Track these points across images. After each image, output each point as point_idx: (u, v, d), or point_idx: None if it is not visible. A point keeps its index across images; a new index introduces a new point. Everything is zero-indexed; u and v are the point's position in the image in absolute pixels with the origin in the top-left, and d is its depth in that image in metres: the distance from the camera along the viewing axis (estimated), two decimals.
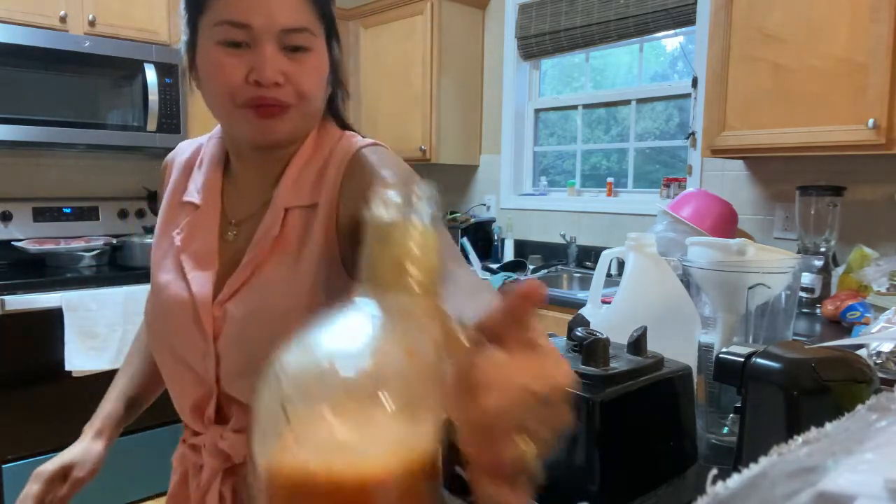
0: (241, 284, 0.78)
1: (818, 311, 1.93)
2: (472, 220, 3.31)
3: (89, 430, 0.97)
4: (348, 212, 0.76)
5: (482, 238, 3.30)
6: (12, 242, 2.75)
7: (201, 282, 0.79)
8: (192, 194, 0.84)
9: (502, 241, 3.26)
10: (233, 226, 0.83)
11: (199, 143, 0.90)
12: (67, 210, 2.99)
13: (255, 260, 0.78)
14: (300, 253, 0.77)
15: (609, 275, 1.10)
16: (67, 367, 2.47)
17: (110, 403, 0.96)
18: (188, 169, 0.87)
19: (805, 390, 0.65)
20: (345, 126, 0.87)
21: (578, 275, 2.86)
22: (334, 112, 0.87)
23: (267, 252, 0.78)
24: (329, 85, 0.81)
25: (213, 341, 0.77)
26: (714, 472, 0.33)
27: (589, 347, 0.67)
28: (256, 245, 0.78)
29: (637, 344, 0.71)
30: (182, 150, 0.90)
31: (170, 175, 0.90)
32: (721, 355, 0.74)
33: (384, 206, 0.43)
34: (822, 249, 2.05)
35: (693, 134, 2.60)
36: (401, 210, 0.44)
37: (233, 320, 0.77)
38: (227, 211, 0.84)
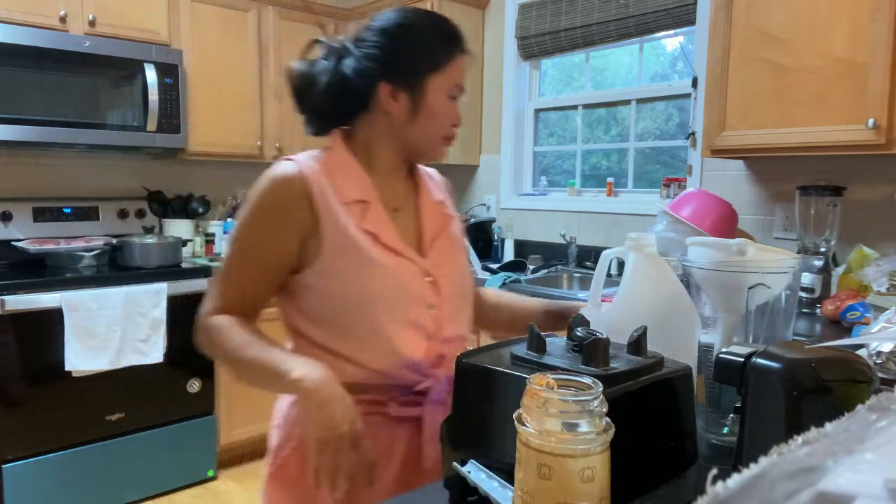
0: (438, 251, 1.09)
1: (818, 311, 1.93)
2: (472, 220, 3.31)
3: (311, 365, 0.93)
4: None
5: (482, 238, 3.30)
6: (12, 242, 2.75)
7: (414, 254, 1.05)
8: (354, 195, 1.04)
9: (502, 241, 3.26)
10: (394, 211, 1.09)
11: (309, 161, 1.05)
12: (67, 210, 2.99)
13: (439, 234, 1.11)
14: (453, 223, 1.16)
15: (609, 275, 1.10)
16: (67, 367, 2.47)
17: (300, 357, 0.96)
18: (328, 178, 1.04)
19: (805, 390, 0.65)
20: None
21: (578, 275, 2.86)
22: None
23: (438, 232, 1.11)
24: None
25: (437, 296, 1.05)
26: (714, 472, 0.33)
27: (589, 347, 0.67)
28: (432, 226, 1.11)
29: (637, 344, 0.71)
30: (308, 167, 1.04)
31: (309, 185, 1.02)
32: (721, 355, 0.74)
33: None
34: (822, 249, 2.05)
35: (693, 134, 2.60)
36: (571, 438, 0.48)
37: (447, 275, 1.07)
38: (383, 200, 1.07)
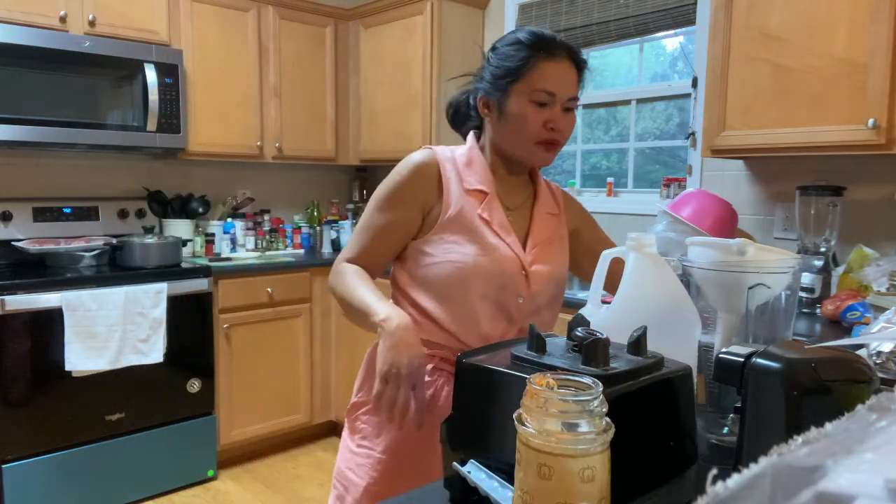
0: (538, 253, 1.20)
1: (818, 311, 1.93)
2: None
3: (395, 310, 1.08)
4: (570, 226, 1.33)
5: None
6: (12, 242, 2.75)
7: (517, 246, 1.18)
8: (476, 185, 1.19)
9: None
10: (509, 210, 1.22)
11: (445, 150, 1.22)
12: (67, 210, 2.99)
13: (544, 240, 1.23)
14: (560, 241, 1.27)
15: None
16: (67, 367, 2.47)
17: (394, 307, 1.09)
18: (457, 168, 1.20)
19: (805, 390, 0.65)
20: None
21: None
22: None
23: (548, 237, 1.24)
24: None
25: (527, 289, 1.16)
26: (714, 472, 0.33)
27: (589, 347, 0.67)
28: (540, 231, 1.23)
29: (637, 344, 0.71)
30: (441, 154, 1.21)
31: (441, 170, 1.19)
32: (721, 355, 0.74)
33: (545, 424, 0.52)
34: (822, 249, 2.05)
35: (693, 134, 2.60)
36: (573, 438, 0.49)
37: (540, 276, 1.18)
38: (500, 198, 1.21)
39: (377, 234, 1.20)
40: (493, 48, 1.21)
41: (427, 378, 1.15)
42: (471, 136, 1.27)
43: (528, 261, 1.18)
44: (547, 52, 1.13)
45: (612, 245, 1.30)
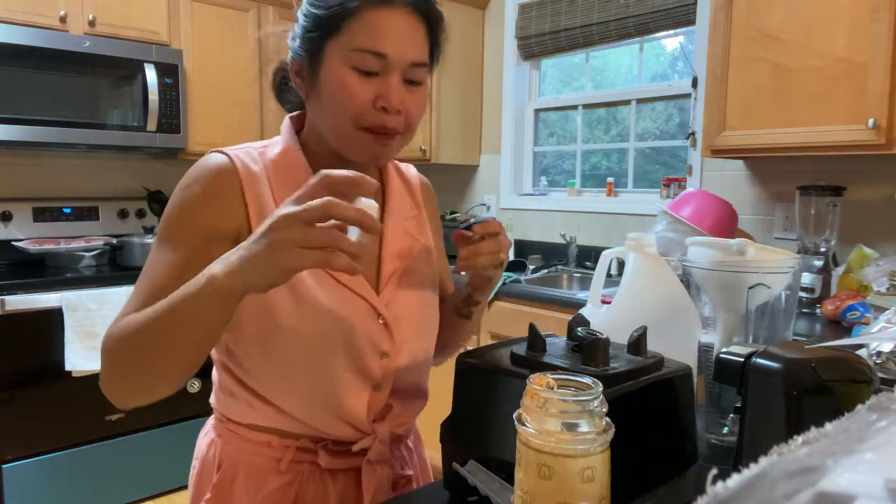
0: (396, 287, 0.89)
1: (818, 311, 1.93)
2: (473, 220, 3.31)
3: None
4: (432, 223, 1.01)
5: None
6: (12, 242, 2.75)
7: (364, 287, 0.86)
8: None
9: None
10: None
11: (249, 153, 0.85)
12: (67, 210, 2.99)
13: (400, 266, 0.90)
14: (427, 255, 0.95)
15: (609, 275, 1.10)
16: (67, 367, 2.47)
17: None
18: (266, 181, 0.83)
19: (805, 390, 0.65)
20: None
21: (578, 275, 2.86)
22: None
23: (405, 258, 0.91)
24: None
25: (390, 341, 0.87)
26: (714, 472, 0.33)
27: (589, 347, 0.67)
28: (393, 254, 0.90)
29: (637, 344, 0.71)
30: (243, 162, 0.83)
31: (249, 187, 0.82)
32: (721, 355, 0.74)
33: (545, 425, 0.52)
34: (822, 249, 2.05)
35: (693, 134, 2.60)
36: (572, 439, 0.50)
37: (405, 318, 0.88)
38: None
39: (163, 280, 0.76)
40: None
41: (282, 476, 0.86)
42: (286, 122, 0.91)
43: (382, 303, 0.86)
44: None
45: (450, 284, 1.06)
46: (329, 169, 0.67)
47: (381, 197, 0.93)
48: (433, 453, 0.88)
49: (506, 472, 0.67)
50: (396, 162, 1.00)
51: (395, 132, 0.80)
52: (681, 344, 0.85)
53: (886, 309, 1.28)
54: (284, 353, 0.82)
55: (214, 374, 0.93)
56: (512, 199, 3.33)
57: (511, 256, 3.17)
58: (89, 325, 2.51)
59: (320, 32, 0.79)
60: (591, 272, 1.37)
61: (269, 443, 0.87)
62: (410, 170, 1.02)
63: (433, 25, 0.82)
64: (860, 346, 0.88)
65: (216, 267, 0.65)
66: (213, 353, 0.91)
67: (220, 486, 0.89)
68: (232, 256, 0.65)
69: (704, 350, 0.94)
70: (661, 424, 0.71)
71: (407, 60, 0.78)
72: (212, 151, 0.84)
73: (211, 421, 0.98)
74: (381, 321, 0.86)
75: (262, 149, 0.87)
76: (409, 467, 0.97)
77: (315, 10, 0.79)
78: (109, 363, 0.77)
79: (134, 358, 0.73)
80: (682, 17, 2.62)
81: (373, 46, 0.77)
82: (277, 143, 0.88)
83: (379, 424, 0.88)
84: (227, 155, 0.83)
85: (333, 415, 0.85)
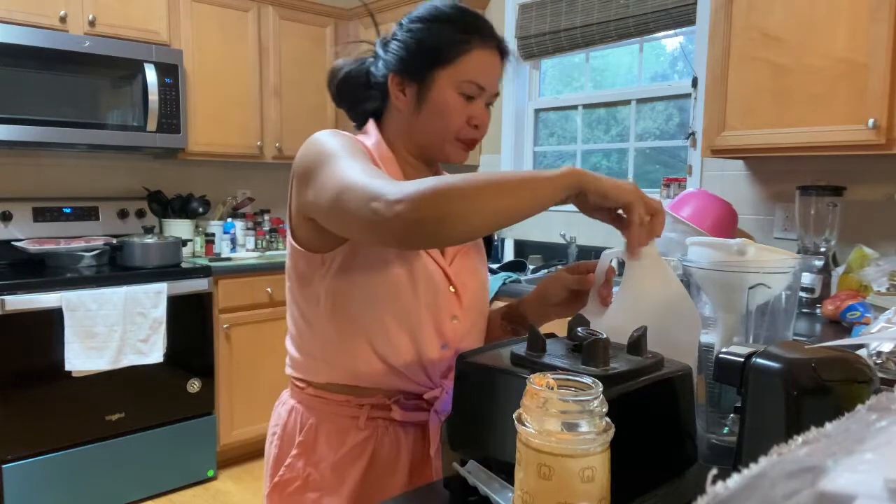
0: (460, 264, 1.05)
1: (818, 311, 1.93)
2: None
3: None
4: None
5: (482, 238, 3.29)
6: (12, 242, 2.75)
7: (439, 259, 1.01)
8: None
9: (502, 240, 3.26)
10: None
11: (357, 136, 1.02)
12: (67, 210, 2.99)
13: (460, 250, 1.06)
14: (476, 246, 1.11)
15: None
16: (67, 367, 2.47)
17: None
18: (375, 162, 0.98)
19: (805, 390, 0.65)
20: None
21: None
22: None
23: (464, 245, 1.06)
24: None
25: (459, 307, 1.02)
26: (714, 472, 0.33)
27: (589, 347, 0.67)
28: None
29: (637, 344, 0.71)
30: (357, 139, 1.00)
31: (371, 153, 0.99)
32: (721, 355, 0.74)
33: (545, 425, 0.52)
34: (822, 249, 2.05)
35: (693, 134, 2.60)
36: (572, 439, 0.49)
37: (469, 289, 1.04)
38: None
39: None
40: (408, 23, 1.02)
41: (361, 432, 1.00)
42: (373, 125, 1.06)
43: (452, 274, 1.02)
44: (482, 38, 0.99)
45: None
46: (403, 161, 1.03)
47: None
48: None
49: (506, 472, 0.67)
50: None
51: (476, 142, 1.03)
52: (681, 344, 0.85)
53: (886, 309, 1.28)
54: (387, 302, 0.96)
55: (289, 343, 1.06)
56: None
57: (511, 256, 3.17)
58: (89, 325, 2.51)
59: (433, 60, 0.98)
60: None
61: (348, 401, 1.00)
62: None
63: (504, 64, 1.05)
64: (860, 346, 0.88)
65: (575, 169, 0.82)
66: (290, 322, 1.05)
67: (304, 443, 1.01)
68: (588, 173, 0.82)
69: (704, 350, 0.94)
70: (661, 424, 0.71)
71: (494, 91, 1.01)
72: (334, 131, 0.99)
73: (287, 392, 1.10)
74: (451, 289, 1.02)
75: (362, 140, 1.02)
76: None
77: (428, 41, 0.98)
78: (442, 195, 0.76)
79: (478, 190, 0.77)
80: (682, 17, 2.62)
81: (478, 80, 0.98)
82: (369, 137, 1.05)
83: (445, 380, 1.01)
84: (347, 135, 0.98)
85: (415, 362, 0.99)
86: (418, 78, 0.98)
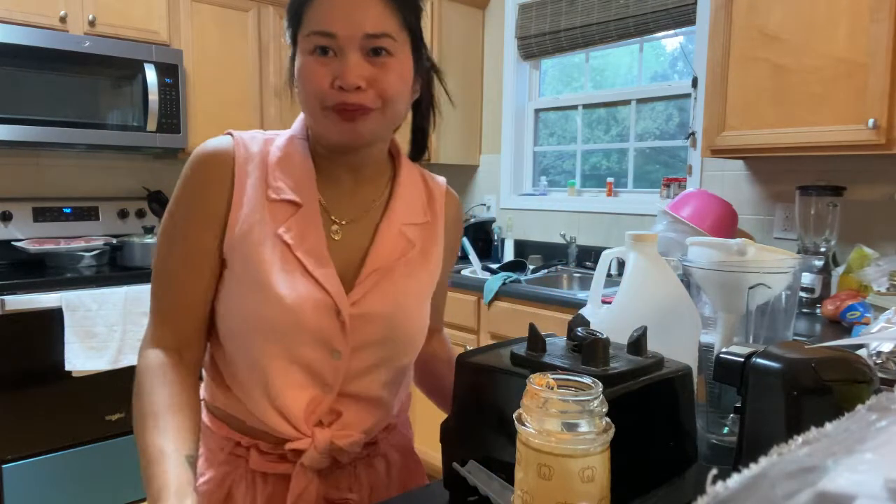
0: (372, 286, 0.85)
1: (818, 311, 1.93)
2: (473, 220, 3.31)
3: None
4: (447, 241, 0.96)
5: (482, 238, 3.29)
6: (12, 242, 2.75)
7: (331, 280, 0.82)
8: (287, 192, 0.83)
9: (502, 241, 3.26)
10: (338, 225, 0.87)
11: (258, 138, 0.87)
12: (67, 210, 2.99)
13: (384, 266, 0.86)
14: (423, 264, 0.90)
15: (609, 275, 1.10)
16: (67, 367, 2.47)
17: (176, 471, 0.71)
18: (264, 165, 0.84)
19: (805, 390, 0.65)
20: (422, 150, 1.01)
21: (578, 275, 2.86)
22: (420, 139, 1.00)
23: (394, 261, 0.87)
24: (414, 94, 0.89)
25: (344, 341, 0.83)
26: (714, 472, 0.33)
27: (589, 347, 0.67)
28: (381, 254, 0.86)
29: (637, 344, 0.71)
30: (243, 145, 0.84)
31: (240, 170, 0.83)
32: (721, 355, 0.74)
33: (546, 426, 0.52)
34: (822, 249, 2.05)
35: (693, 134, 2.60)
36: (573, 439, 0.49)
37: (370, 319, 0.84)
38: (327, 210, 0.87)
39: (174, 278, 0.83)
40: None
41: (221, 467, 0.88)
42: (300, 116, 0.89)
43: (346, 301, 0.83)
44: None
45: (440, 313, 1.05)
46: (322, 158, 0.86)
47: (388, 194, 0.92)
48: (433, 453, 0.86)
49: (506, 472, 0.67)
50: (426, 171, 1.01)
51: (361, 108, 0.78)
52: (681, 344, 0.85)
53: (886, 309, 1.28)
54: (239, 336, 0.84)
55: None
56: (512, 199, 3.33)
57: (511, 256, 3.17)
58: (89, 325, 2.51)
59: (291, 28, 0.82)
60: (591, 272, 1.37)
61: (220, 429, 0.89)
62: (439, 180, 1.01)
63: None
64: (860, 346, 0.88)
65: (164, 493, 0.67)
66: None
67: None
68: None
69: (704, 350, 0.94)
70: (661, 424, 0.71)
71: (360, 34, 0.77)
72: (224, 133, 0.86)
73: None
74: (339, 318, 0.82)
75: (273, 136, 0.88)
76: (355, 492, 0.90)
77: (287, 9, 0.82)
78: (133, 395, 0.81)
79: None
80: (682, 17, 2.62)
81: (320, 27, 0.77)
82: (291, 128, 0.90)
83: (320, 429, 0.85)
84: (231, 135, 0.85)
85: (270, 405, 0.83)
86: (293, 53, 0.83)
